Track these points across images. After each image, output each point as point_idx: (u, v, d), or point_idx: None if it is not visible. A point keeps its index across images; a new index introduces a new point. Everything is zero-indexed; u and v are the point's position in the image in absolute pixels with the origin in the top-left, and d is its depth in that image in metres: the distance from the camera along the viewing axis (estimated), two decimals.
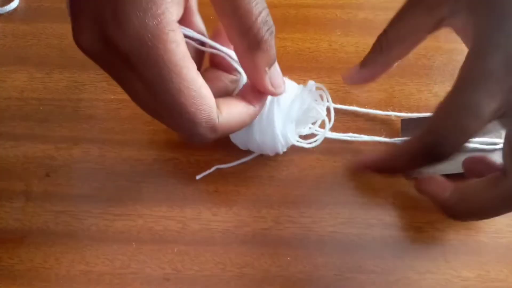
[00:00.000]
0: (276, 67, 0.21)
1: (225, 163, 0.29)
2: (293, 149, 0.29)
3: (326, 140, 0.29)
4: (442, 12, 0.20)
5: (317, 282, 0.25)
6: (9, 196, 0.28)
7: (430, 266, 0.26)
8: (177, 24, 0.17)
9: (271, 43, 0.19)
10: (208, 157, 0.29)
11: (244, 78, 0.24)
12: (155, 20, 0.16)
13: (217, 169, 0.28)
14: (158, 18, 0.16)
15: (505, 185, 0.20)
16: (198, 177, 0.28)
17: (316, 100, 0.27)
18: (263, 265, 0.26)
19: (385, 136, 0.29)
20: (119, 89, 0.31)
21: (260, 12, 0.18)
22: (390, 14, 0.35)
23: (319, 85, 0.26)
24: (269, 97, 0.24)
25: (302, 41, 0.34)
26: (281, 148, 0.26)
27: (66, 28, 0.34)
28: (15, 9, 0.35)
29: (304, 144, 0.27)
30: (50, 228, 0.27)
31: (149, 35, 0.16)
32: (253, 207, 0.27)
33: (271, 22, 0.19)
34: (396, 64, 0.24)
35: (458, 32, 0.21)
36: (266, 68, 0.20)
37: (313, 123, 0.29)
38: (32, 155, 0.29)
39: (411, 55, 0.32)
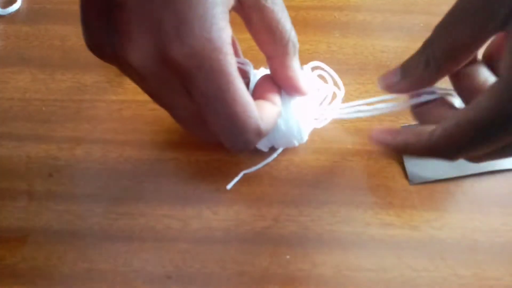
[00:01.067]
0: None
1: (225, 162, 0.29)
2: (293, 149, 0.29)
3: (325, 141, 0.30)
4: (505, 12, 0.17)
5: (315, 280, 0.26)
6: (12, 196, 0.28)
7: (426, 264, 0.26)
8: (230, 43, 0.18)
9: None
10: (208, 157, 0.29)
11: (253, 81, 0.25)
12: (219, 33, 0.17)
13: (244, 174, 0.29)
14: (221, 32, 0.17)
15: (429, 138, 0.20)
16: (228, 186, 0.28)
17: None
18: (263, 263, 0.26)
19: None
20: (120, 89, 0.32)
21: (291, 25, 0.20)
22: (388, 16, 0.35)
23: (317, 63, 0.27)
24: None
25: (301, 43, 0.33)
26: (306, 133, 0.27)
27: (68, 30, 0.35)
28: (17, 11, 0.36)
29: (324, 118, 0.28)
30: (53, 227, 0.27)
31: (213, 48, 0.17)
32: (253, 206, 0.28)
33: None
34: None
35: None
36: (300, 71, 0.23)
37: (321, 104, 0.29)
38: (35, 155, 0.29)
39: (408, 56, 0.33)
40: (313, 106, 0.27)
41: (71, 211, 0.27)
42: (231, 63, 0.18)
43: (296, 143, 0.28)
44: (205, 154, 0.29)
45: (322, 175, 0.29)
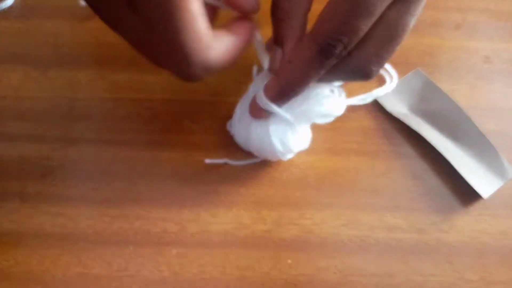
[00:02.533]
0: None
1: (224, 163, 0.28)
2: None
3: (328, 141, 0.29)
4: None
5: (319, 285, 0.25)
6: (4, 197, 0.27)
7: (433, 269, 0.26)
8: None
9: None
10: (207, 157, 0.28)
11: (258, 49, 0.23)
12: None
13: (226, 163, 0.28)
14: None
15: None
16: (207, 161, 0.28)
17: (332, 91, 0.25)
18: (263, 268, 0.25)
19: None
20: (115, 88, 0.31)
21: None
22: None
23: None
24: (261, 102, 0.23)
25: None
26: (282, 155, 0.26)
27: (61, 26, 0.34)
28: (10, 7, 0.35)
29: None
30: (46, 230, 0.26)
31: None
32: (253, 208, 0.27)
33: None
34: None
35: None
36: None
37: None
38: (27, 155, 0.29)
39: (415, 52, 0.32)
40: (303, 120, 0.25)
41: (64, 213, 0.27)
42: None
43: (282, 157, 0.26)
44: (203, 154, 0.28)
45: (325, 176, 0.28)
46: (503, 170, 0.27)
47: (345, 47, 0.19)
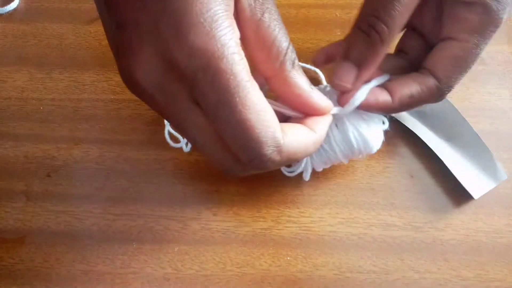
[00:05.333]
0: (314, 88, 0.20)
1: None
2: None
3: None
4: None
5: (317, 282, 0.25)
6: (9, 196, 0.28)
7: (429, 266, 0.26)
8: (239, 44, 0.17)
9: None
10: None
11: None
12: (222, 31, 0.16)
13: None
14: (225, 30, 0.16)
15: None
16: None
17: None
18: (263, 265, 0.26)
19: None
20: (119, 89, 0.32)
21: (288, 42, 0.18)
22: None
23: None
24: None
25: (302, 41, 0.34)
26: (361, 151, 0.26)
27: (66, 28, 0.34)
28: (15, 9, 0.35)
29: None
30: (50, 228, 0.27)
31: (217, 47, 0.16)
32: (253, 206, 0.27)
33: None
34: None
35: None
36: (310, 87, 0.20)
37: None
38: (32, 155, 0.29)
39: None
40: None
41: (69, 212, 0.27)
42: (239, 63, 0.16)
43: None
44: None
45: (323, 175, 0.28)
46: (495, 172, 0.28)
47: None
